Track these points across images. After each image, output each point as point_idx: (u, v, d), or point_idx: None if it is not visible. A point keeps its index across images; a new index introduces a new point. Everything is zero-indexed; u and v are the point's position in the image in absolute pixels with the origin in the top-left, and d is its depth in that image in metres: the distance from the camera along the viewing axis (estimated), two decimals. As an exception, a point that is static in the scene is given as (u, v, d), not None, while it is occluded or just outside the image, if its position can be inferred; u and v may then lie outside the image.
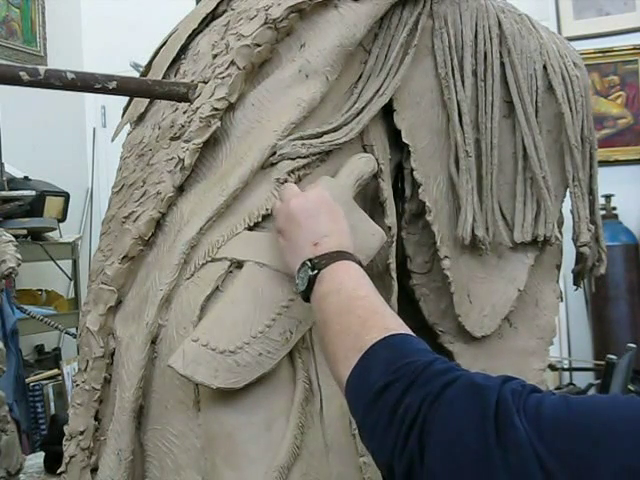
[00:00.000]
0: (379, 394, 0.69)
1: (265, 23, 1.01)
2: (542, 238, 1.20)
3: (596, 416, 0.61)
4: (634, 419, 0.59)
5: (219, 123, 1.00)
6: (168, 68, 1.15)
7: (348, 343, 0.76)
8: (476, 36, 1.16)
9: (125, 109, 1.26)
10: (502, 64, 1.18)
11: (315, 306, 0.84)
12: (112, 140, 1.32)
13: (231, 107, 1.02)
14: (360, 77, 1.08)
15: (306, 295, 0.86)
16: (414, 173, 1.12)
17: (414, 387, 0.67)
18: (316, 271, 0.84)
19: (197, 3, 1.23)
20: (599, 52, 3.77)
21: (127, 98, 1.25)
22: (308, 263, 0.85)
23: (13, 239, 2.11)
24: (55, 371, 3.47)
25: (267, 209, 0.97)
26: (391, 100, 1.09)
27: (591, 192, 1.30)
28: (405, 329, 0.77)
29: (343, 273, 0.84)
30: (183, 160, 1.00)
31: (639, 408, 0.61)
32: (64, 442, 1.03)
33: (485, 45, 1.16)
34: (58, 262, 3.92)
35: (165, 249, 0.99)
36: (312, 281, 0.84)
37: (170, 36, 1.22)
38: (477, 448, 0.61)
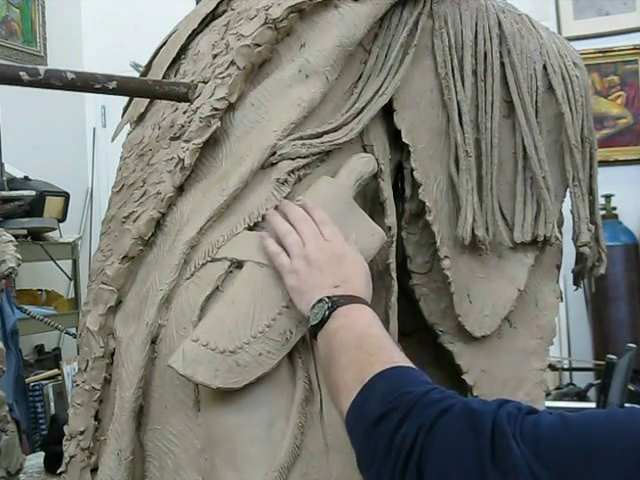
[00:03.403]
0: (376, 424, 0.70)
1: (265, 23, 1.01)
2: (542, 238, 1.20)
3: (593, 433, 0.61)
4: (632, 434, 0.59)
5: (219, 123, 1.00)
6: (168, 68, 1.15)
7: (351, 375, 0.77)
8: (476, 36, 1.16)
9: (125, 109, 1.26)
10: (502, 64, 1.18)
11: (324, 341, 0.85)
12: (112, 140, 1.32)
13: (231, 107, 1.02)
14: (360, 77, 1.08)
15: (316, 330, 0.86)
16: (414, 173, 1.12)
17: (411, 416, 0.67)
18: (333, 308, 0.85)
19: (197, 3, 1.23)
20: (599, 52, 3.77)
21: (127, 98, 1.25)
22: (326, 299, 0.86)
23: (13, 239, 2.11)
24: (55, 371, 3.47)
25: (267, 209, 0.97)
26: (391, 100, 1.09)
27: (591, 192, 1.30)
28: (409, 363, 0.78)
29: (358, 313, 0.85)
30: (183, 160, 1.00)
31: (636, 421, 0.61)
32: (64, 442, 1.03)
33: (485, 45, 1.16)
34: (58, 262, 3.92)
35: (165, 249, 0.99)
36: (326, 317, 0.85)
37: (170, 36, 1.22)
38: (474, 474, 0.61)
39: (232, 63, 1.01)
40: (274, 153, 0.99)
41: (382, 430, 0.69)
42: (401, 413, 0.68)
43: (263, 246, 0.94)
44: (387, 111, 1.10)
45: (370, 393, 0.73)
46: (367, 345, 0.79)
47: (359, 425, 0.73)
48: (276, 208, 0.97)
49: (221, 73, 1.01)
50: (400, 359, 0.78)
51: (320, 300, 0.86)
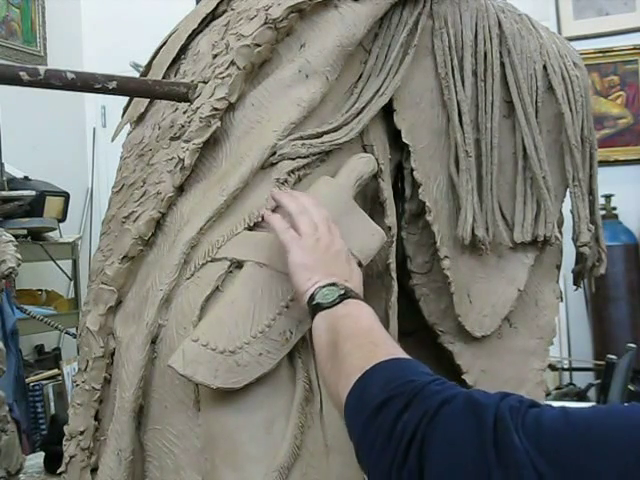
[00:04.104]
0: (377, 411, 0.69)
1: (265, 23, 1.01)
2: (542, 238, 1.20)
3: (595, 428, 0.61)
4: (633, 429, 0.59)
5: (219, 123, 1.00)
6: (168, 68, 1.15)
7: (354, 362, 0.77)
8: (476, 36, 1.16)
9: (125, 109, 1.26)
10: (502, 64, 1.18)
11: (327, 322, 0.84)
12: (112, 140, 1.32)
13: (231, 107, 1.02)
14: (360, 77, 1.08)
15: (317, 309, 0.86)
16: (414, 173, 1.12)
17: (412, 404, 0.67)
18: (346, 295, 0.85)
19: (197, 3, 1.23)
20: (599, 52, 3.77)
21: (127, 98, 1.25)
22: (341, 285, 0.86)
23: (13, 239, 2.11)
24: (55, 371, 3.47)
25: (267, 209, 0.97)
26: (391, 100, 1.09)
27: (591, 192, 1.30)
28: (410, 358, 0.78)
29: (366, 309, 0.86)
30: (183, 160, 1.00)
31: (637, 416, 0.61)
32: (64, 442, 1.03)
33: (485, 45, 1.16)
34: (58, 262, 3.92)
35: (165, 249, 0.99)
36: (337, 301, 0.85)
37: (170, 36, 1.22)
38: (476, 467, 0.61)
39: (232, 63, 1.01)
40: (274, 153, 0.99)
41: (383, 418, 0.68)
42: (403, 401, 0.68)
43: (267, 220, 0.94)
44: (387, 111, 1.10)
45: (371, 380, 0.73)
46: (372, 336, 0.80)
47: (359, 412, 0.72)
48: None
49: (221, 73, 1.01)
50: (402, 354, 0.78)
51: (334, 284, 0.86)
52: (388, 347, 0.78)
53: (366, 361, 0.75)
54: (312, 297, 0.87)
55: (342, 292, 0.85)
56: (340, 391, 0.76)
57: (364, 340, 0.79)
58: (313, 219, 0.93)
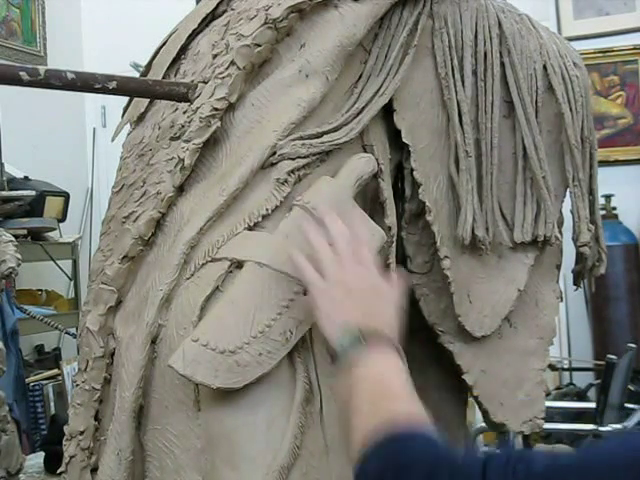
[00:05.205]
0: None
1: (265, 23, 1.01)
2: (542, 238, 1.20)
3: (588, 472, 0.61)
4: (629, 463, 0.60)
5: (219, 123, 1.00)
6: (168, 68, 1.16)
7: (357, 436, 0.76)
8: (476, 36, 1.16)
9: (125, 109, 1.26)
10: (502, 64, 1.18)
11: (344, 384, 0.83)
12: (112, 140, 1.32)
13: (231, 107, 1.02)
14: (360, 77, 1.08)
15: (339, 360, 0.84)
16: (414, 173, 1.12)
17: None
18: (362, 345, 0.83)
19: (197, 3, 1.23)
20: (599, 52, 3.77)
21: (127, 98, 1.25)
22: (358, 333, 0.84)
23: (13, 239, 2.11)
24: (55, 371, 3.47)
25: (267, 209, 0.97)
26: (391, 100, 1.09)
27: (591, 192, 1.30)
28: (420, 413, 0.77)
29: (384, 363, 0.83)
30: (183, 160, 1.00)
31: (632, 452, 0.61)
32: (64, 442, 1.03)
33: (485, 45, 1.16)
34: (58, 262, 3.92)
35: (165, 249, 0.99)
36: (354, 355, 0.83)
37: (170, 36, 1.22)
38: None
39: (232, 63, 1.01)
40: (274, 153, 0.99)
41: None
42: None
43: (296, 266, 0.92)
44: (387, 111, 1.10)
45: (368, 469, 0.73)
46: (380, 406, 0.78)
47: None
48: (320, 222, 0.94)
49: (221, 73, 1.01)
50: (408, 416, 0.76)
51: (350, 331, 0.84)
52: (398, 411, 0.77)
53: (366, 439, 0.74)
54: (336, 353, 0.85)
55: (358, 340, 0.83)
56: (350, 456, 0.77)
57: (368, 416, 0.77)
58: (339, 255, 0.90)
